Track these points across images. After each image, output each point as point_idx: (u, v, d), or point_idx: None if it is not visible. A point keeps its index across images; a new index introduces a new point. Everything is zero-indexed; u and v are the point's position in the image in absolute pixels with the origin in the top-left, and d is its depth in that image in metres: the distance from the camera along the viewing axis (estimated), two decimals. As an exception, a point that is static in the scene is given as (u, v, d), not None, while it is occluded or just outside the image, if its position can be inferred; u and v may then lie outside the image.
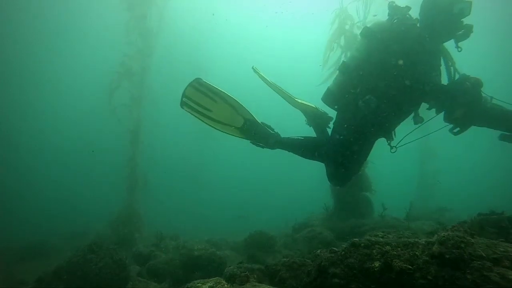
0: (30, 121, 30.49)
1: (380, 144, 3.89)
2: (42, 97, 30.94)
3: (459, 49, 3.47)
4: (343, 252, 2.07)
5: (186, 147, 27.33)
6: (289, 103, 4.03)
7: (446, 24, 3.40)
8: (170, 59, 19.23)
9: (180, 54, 21.94)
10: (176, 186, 24.87)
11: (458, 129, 3.59)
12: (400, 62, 3.37)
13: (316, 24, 14.54)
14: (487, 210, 3.05)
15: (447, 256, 1.77)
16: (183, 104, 3.87)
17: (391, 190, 11.81)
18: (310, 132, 4.04)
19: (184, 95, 3.86)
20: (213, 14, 23.58)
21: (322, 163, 3.98)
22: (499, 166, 24.94)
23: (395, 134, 3.77)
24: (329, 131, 3.96)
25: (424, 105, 3.68)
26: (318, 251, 2.42)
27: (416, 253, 1.88)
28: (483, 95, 3.44)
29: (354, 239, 2.10)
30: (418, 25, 3.55)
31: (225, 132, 3.97)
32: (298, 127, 4.20)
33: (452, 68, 3.52)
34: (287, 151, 4.05)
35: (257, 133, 3.94)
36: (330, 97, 3.85)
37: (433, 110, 3.65)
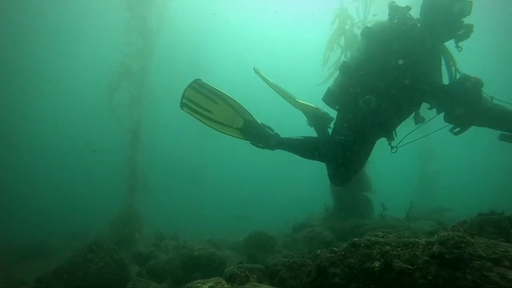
0: (30, 121, 30.52)
1: (380, 144, 3.89)
2: (42, 97, 30.96)
3: (459, 49, 3.47)
4: (343, 252, 2.07)
5: (186, 147, 27.33)
6: (290, 103, 4.03)
7: (446, 23, 3.40)
8: (170, 59, 19.23)
9: (180, 54, 21.94)
10: (176, 186, 24.89)
11: (458, 129, 3.59)
12: (401, 62, 3.37)
13: (316, 24, 14.54)
14: (487, 210, 3.05)
15: (447, 256, 1.77)
16: (183, 105, 3.86)
17: (391, 190, 11.81)
18: (311, 132, 4.04)
19: (184, 96, 3.85)
20: (215, 14, 23.59)
21: (322, 163, 3.98)
22: (499, 166, 24.96)
23: (396, 134, 3.77)
24: (330, 131, 3.96)
25: (425, 105, 3.69)
26: (318, 251, 2.42)
27: (416, 253, 1.88)
28: (484, 95, 3.44)
29: (354, 239, 2.10)
30: (418, 25, 3.55)
31: (225, 133, 3.97)
32: (298, 127, 4.20)
33: (453, 68, 3.52)
34: (287, 152, 4.05)
35: (257, 134, 3.93)
36: (330, 97, 3.85)
37: (434, 110, 3.66)
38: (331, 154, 3.79)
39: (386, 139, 3.77)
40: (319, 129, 3.98)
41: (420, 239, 2.04)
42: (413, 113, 3.71)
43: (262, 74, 3.97)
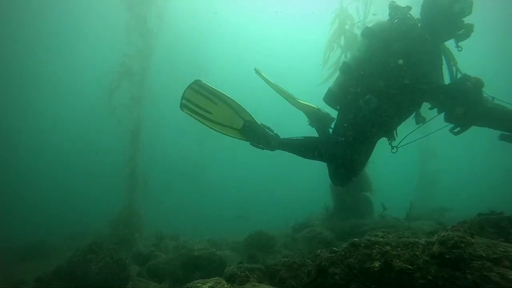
0: (30, 121, 30.53)
1: (380, 144, 3.89)
2: (42, 97, 30.97)
3: (459, 49, 3.47)
4: (343, 252, 2.07)
5: (186, 147, 27.32)
6: (291, 104, 4.03)
7: (447, 23, 3.40)
8: (170, 59, 19.22)
9: (180, 54, 21.93)
10: (176, 186, 24.90)
11: (458, 129, 3.59)
12: (401, 62, 3.37)
13: (316, 24, 14.55)
14: (487, 210, 3.05)
15: (447, 256, 1.77)
16: (182, 106, 3.85)
17: (391, 190, 11.80)
18: (311, 133, 4.04)
19: (183, 97, 3.83)
20: (216, 13, 23.60)
21: (322, 163, 3.98)
22: (499, 166, 24.97)
23: (397, 134, 3.77)
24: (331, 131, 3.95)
25: (425, 105, 3.69)
26: (318, 251, 2.42)
27: (416, 253, 1.88)
28: (484, 95, 3.44)
29: (354, 239, 2.09)
30: (419, 25, 3.55)
31: (225, 134, 3.96)
32: (298, 128, 4.20)
33: (454, 67, 3.52)
34: (287, 152, 4.05)
35: (257, 135, 3.92)
36: (331, 97, 3.85)
37: (434, 110, 3.66)
38: (332, 154, 3.79)
39: (387, 139, 3.77)
40: (320, 130, 3.98)
41: (420, 239, 2.04)
42: (414, 113, 3.72)
43: (263, 75, 3.96)
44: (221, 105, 3.89)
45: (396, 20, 3.55)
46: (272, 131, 4.00)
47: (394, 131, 3.75)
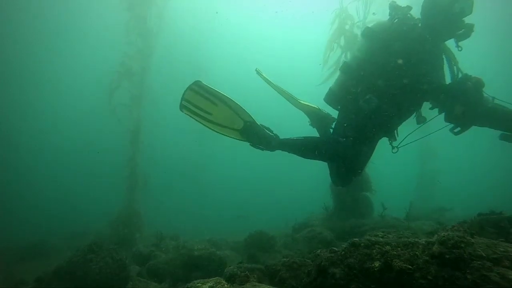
0: (30, 121, 30.53)
1: (380, 144, 3.89)
2: (42, 97, 30.97)
3: (460, 49, 3.47)
4: (343, 252, 2.07)
5: (186, 147, 27.31)
6: (292, 104, 4.02)
7: (447, 23, 3.40)
8: (170, 59, 19.21)
9: (180, 54, 21.92)
10: (176, 186, 24.90)
11: (458, 129, 3.59)
12: (401, 62, 3.37)
13: (316, 24, 14.55)
14: (487, 210, 3.05)
15: (447, 256, 1.77)
16: (182, 107, 3.83)
17: (391, 190, 11.81)
18: (311, 133, 4.04)
19: (183, 98, 3.81)
20: (217, 12, 23.59)
21: (322, 163, 3.98)
22: (499, 166, 24.97)
23: (397, 134, 3.76)
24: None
25: (426, 105, 3.69)
26: (318, 251, 2.42)
27: (416, 253, 1.88)
28: (485, 95, 3.44)
29: (354, 239, 2.09)
30: (419, 25, 3.55)
31: (225, 135, 3.95)
32: (298, 128, 4.20)
33: (455, 67, 3.52)
34: (287, 152, 4.04)
35: (257, 135, 3.91)
36: (332, 97, 3.85)
37: (435, 110, 3.66)
38: (332, 154, 3.79)
39: (387, 139, 3.77)
40: (321, 130, 3.98)
41: (420, 239, 2.04)
42: (415, 113, 3.72)
43: (265, 76, 3.96)
44: (221, 106, 3.87)
45: (396, 20, 3.55)
46: (272, 132, 4.00)
47: (395, 131, 3.75)
